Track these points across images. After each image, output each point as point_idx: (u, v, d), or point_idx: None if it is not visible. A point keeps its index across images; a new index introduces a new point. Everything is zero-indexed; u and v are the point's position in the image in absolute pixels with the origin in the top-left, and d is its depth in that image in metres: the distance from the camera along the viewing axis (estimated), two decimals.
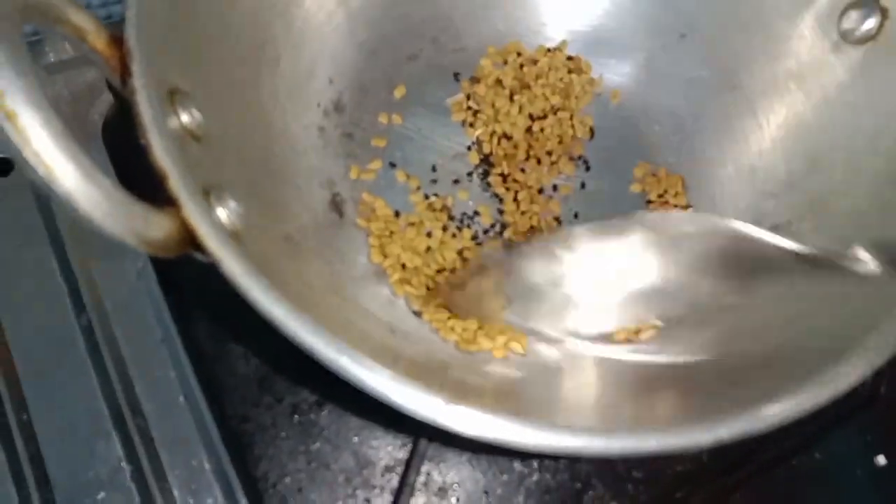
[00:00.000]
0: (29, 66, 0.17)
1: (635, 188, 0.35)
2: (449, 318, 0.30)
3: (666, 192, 0.35)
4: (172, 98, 0.24)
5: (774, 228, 0.31)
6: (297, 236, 0.29)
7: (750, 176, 0.34)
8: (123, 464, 0.31)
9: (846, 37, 0.32)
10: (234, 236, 0.22)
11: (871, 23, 0.31)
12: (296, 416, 0.31)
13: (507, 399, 0.27)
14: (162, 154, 0.21)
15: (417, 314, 0.31)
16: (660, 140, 0.36)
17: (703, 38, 0.36)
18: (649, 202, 0.35)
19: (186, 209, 0.20)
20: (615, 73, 0.38)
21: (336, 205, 0.32)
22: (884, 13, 0.30)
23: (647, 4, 0.37)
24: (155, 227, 0.19)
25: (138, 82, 0.21)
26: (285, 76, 0.32)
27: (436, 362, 0.29)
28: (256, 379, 0.31)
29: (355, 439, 0.31)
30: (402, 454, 0.30)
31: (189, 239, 0.20)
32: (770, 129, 0.34)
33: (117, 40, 0.22)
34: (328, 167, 0.33)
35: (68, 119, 0.35)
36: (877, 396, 0.35)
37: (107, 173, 0.22)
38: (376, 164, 0.34)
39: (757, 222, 0.31)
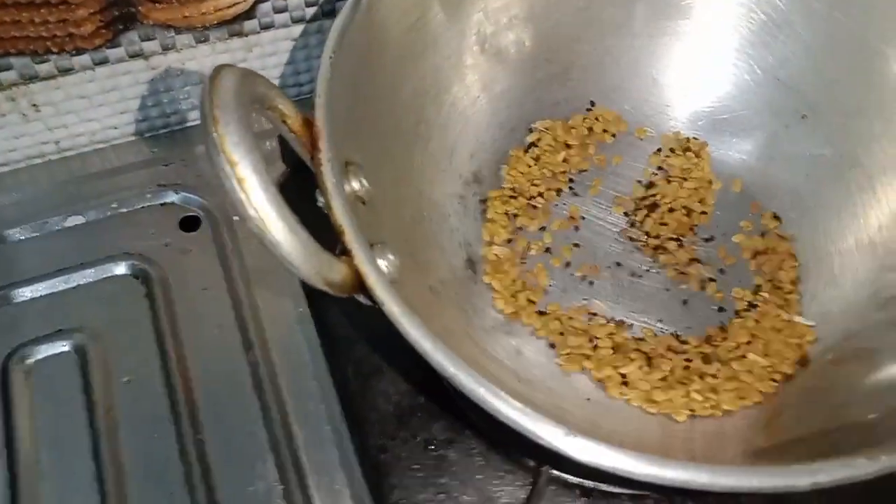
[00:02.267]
0: (255, 144, 0.22)
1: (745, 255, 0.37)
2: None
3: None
4: (347, 169, 0.28)
5: (889, 301, 0.32)
6: (439, 287, 0.33)
7: (870, 249, 0.35)
8: (276, 483, 0.35)
9: None
10: (393, 283, 0.27)
11: None
12: (428, 451, 0.34)
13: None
14: (340, 213, 0.25)
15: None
16: (780, 214, 0.38)
17: (823, 120, 0.38)
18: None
19: (358, 259, 0.24)
20: (737, 151, 0.40)
21: (471, 263, 0.36)
22: None
23: (769, 87, 0.39)
24: (335, 272, 0.24)
25: (324, 156, 0.26)
26: (433, 151, 0.36)
27: (558, 409, 0.31)
28: (395, 415, 0.35)
29: (479, 476, 0.33)
30: (522, 493, 0.33)
31: (359, 283, 0.25)
32: (891, 204, 0.35)
33: (309, 122, 0.28)
34: (466, 230, 0.37)
35: None
36: None
37: None
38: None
39: (876, 293, 0.32)
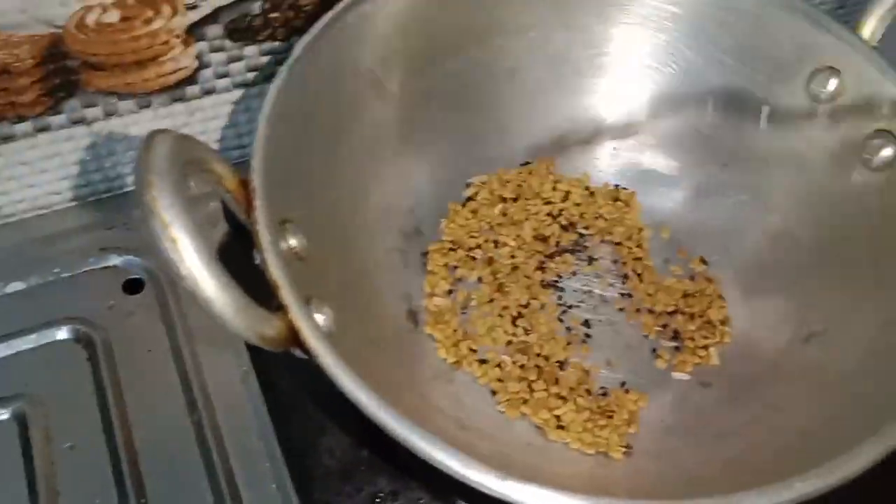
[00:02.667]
0: (188, 206, 0.23)
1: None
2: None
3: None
4: (284, 227, 0.29)
5: (811, 337, 0.34)
6: (380, 340, 0.34)
7: (789, 289, 0.37)
8: None
9: (868, 164, 0.35)
10: (328, 337, 0.27)
11: (888, 151, 0.35)
12: None
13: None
14: (275, 269, 0.26)
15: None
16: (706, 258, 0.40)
17: (741, 167, 0.40)
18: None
19: (293, 314, 0.25)
20: (666, 200, 0.42)
21: (412, 314, 0.37)
22: None
23: (692, 138, 0.42)
24: (269, 327, 0.24)
25: (259, 215, 0.27)
26: (373, 207, 0.38)
27: (502, 454, 0.32)
28: (340, 470, 0.35)
29: None
30: None
31: (294, 338, 0.25)
32: (806, 245, 0.38)
33: (244, 182, 0.29)
34: (407, 283, 0.38)
35: None
36: None
37: None
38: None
39: (795, 332, 0.34)
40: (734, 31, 0.39)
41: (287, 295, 0.25)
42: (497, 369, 0.36)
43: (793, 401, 0.33)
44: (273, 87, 0.31)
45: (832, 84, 0.36)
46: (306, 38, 0.33)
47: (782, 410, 0.33)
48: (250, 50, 0.42)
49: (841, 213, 0.36)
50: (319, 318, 0.28)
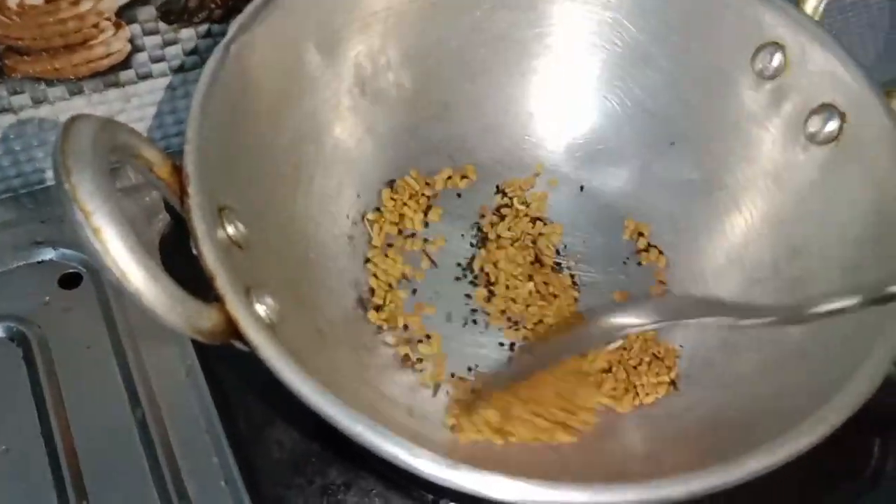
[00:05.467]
0: (112, 193, 0.21)
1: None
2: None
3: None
4: (221, 214, 0.28)
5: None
6: (327, 329, 0.33)
7: (739, 265, 0.37)
8: None
9: (812, 139, 0.35)
10: (269, 328, 0.26)
11: (832, 125, 0.35)
12: (326, 496, 0.33)
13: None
14: (211, 259, 0.25)
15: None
16: (656, 238, 0.40)
17: (690, 146, 0.40)
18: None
19: (230, 304, 0.24)
20: (614, 179, 0.42)
21: (362, 302, 0.36)
22: (843, 117, 0.34)
23: (639, 117, 0.41)
24: (205, 318, 0.23)
25: (193, 202, 0.26)
26: (318, 193, 0.36)
27: (453, 442, 0.31)
28: (290, 463, 0.34)
29: None
30: None
31: (232, 329, 0.24)
32: (755, 223, 0.38)
33: (177, 169, 0.27)
34: (356, 270, 0.37)
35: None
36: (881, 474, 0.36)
37: None
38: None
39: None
40: (680, 6, 0.39)
41: (223, 284, 0.24)
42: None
43: (744, 377, 0.33)
44: (206, 69, 0.30)
45: (777, 59, 0.36)
46: (241, 18, 0.32)
47: (732, 387, 0.33)
48: (186, 33, 0.40)
49: (789, 188, 0.36)
50: (260, 308, 0.27)
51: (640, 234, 0.40)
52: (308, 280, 0.34)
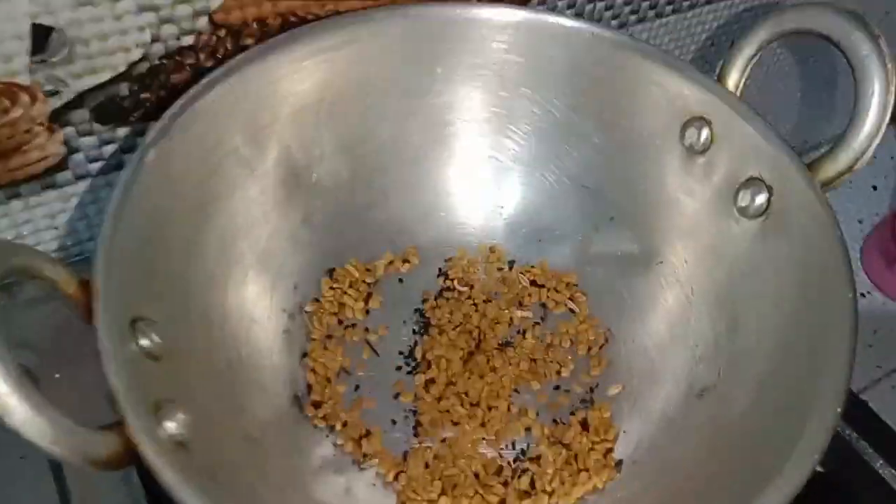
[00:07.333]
0: None
1: None
2: None
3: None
4: (134, 327, 0.28)
5: (704, 391, 0.33)
6: (257, 433, 0.32)
7: (684, 342, 0.37)
8: None
9: (744, 213, 0.35)
10: (179, 447, 0.25)
11: (760, 199, 0.35)
12: None
13: None
14: (113, 378, 0.24)
15: None
16: (599, 314, 0.40)
17: (628, 220, 0.40)
18: None
19: (130, 426, 0.23)
20: (557, 255, 0.42)
21: (298, 400, 0.35)
22: (769, 190, 0.34)
23: (577, 194, 0.41)
24: (99, 447, 0.22)
25: (99, 319, 0.26)
26: (252, 289, 0.36)
27: None
28: None
29: None
30: None
31: (134, 453, 0.23)
32: (695, 298, 0.37)
33: (85, 283, 0.27)
34: (292, 366, 0.36)
35: (42, 349, 0.39)
36: None
37: (71, 398, 0.25)
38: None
39: (690, 387, 0.34)
40: (609, 83, 0.39)
41: (124, 404, 0.24)
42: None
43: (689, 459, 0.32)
44: (122, 177, 0.30)
45: (704, 134, 0.36)
46: (159, 123, 0.32)
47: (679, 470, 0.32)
48: (123, 131, 0.40)
49: (726, 261, 0.36)
50: (170, 425, 0.26)
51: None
52: (239, 381, 0.33)
